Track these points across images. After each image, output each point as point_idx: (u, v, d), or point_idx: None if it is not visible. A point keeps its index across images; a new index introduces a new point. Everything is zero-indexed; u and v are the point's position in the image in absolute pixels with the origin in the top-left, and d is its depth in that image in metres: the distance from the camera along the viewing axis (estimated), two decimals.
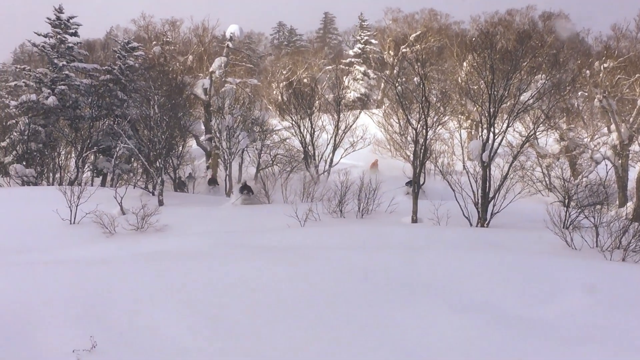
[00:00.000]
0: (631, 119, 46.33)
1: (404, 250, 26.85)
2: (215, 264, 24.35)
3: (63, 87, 52.21)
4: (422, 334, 17.77)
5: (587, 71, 48.26)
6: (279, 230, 32.33)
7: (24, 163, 50.18)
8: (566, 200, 34.31)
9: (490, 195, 34.97)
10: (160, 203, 39.87)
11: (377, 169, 51.93)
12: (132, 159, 52.84)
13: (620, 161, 45.62)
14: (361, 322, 18.38)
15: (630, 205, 39.70)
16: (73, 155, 53.84)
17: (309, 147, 47.05)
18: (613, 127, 45.98)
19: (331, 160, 47.11)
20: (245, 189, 43.60)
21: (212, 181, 52.45)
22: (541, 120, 39.18)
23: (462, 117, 57.62)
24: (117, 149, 48.80)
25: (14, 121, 52.63)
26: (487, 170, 35.31)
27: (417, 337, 17.59)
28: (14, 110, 52.61)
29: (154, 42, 70.59)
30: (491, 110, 35.28)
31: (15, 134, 51.33)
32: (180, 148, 51.83)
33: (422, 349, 16.89)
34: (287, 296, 20.39)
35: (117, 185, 42.08)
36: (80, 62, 55.57)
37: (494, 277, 22.82)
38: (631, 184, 45.32)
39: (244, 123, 51.38)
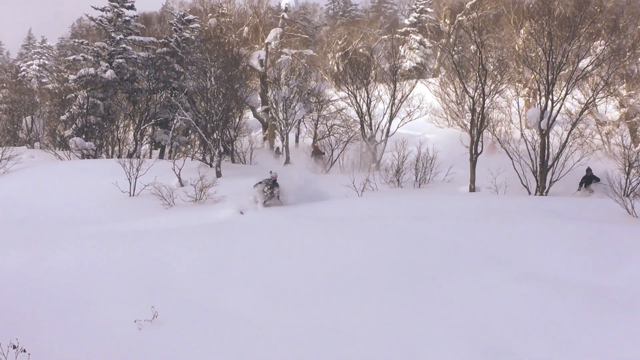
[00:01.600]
0: None
1: (463, 220, 26.70)
2: (273, 236, 24.47)
3: (121, 60, 52.59)
4: (487, 304, 17.65)
5: None
6: (337, 200, 32.33)
7: (84, 136, 50.70)
8: (627, 168, 33.79)
9: (549, 163, 34.65)
10: (218, 175, 40.03)
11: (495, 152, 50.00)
12: (190, 131, 53.09)
13: None
14: (425, 293, 18.33)
15: None
16: (131, 128, 54.34)
17: (366, 117, 46.83)
18: None
19: (388, 129, 46.87)
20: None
21: (277, 151, 52.52)
22: (600, 87, 38.64)
23: (520, 85, 56.97)
24: (175, 121, 49.05)
25: (73, 95, 53.12)
26: (546, 138, 34.97)
27: (481, 307, 17.48)
28: (73, 84, 53.13)
29: (210, 15, 70.76)
30: (549, 77, 34.91)
31: (74, 107, 51.84)
32: (237, 120, 51.93)
33: (488, 318, 16.80)
34: (351, 266, 20.43)
35: (175, 157, 42.36)
36: (137, 36, 55.91)
37: (556, 246, 22.59)
38: None
39: (300, 94, 51.34)
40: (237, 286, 19.44)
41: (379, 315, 17.07)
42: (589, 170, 34.46)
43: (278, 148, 52.75)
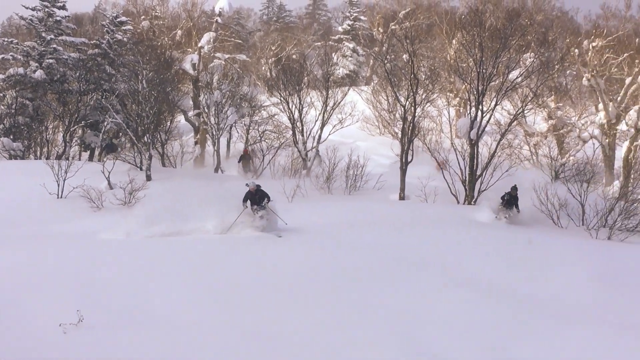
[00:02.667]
0: (619, 98, 46.40)
1: (394, 228, 27.00)
2: (205, 241, 24.44)
3: (51, 60, 51.96)
4: (419, 309, 17.91)
5: (576, 50, 48.25)
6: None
7: (12, 137, 49.97)
8: (553, 179, 34.44)
9: (478, 172, 35.10)
10: (148, 178, 39.81)
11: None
12: (120, 134, 52.68)
13: (607, 140, 45.75)
14: (358, 298, 18.50)
15: (616, 184, 39.82)
16: (61, 129, 53.63)
17: (297, 124, 46.94)
18: (601, 106, 46.06)
19: (319, 136, 47.06)
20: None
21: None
22: (529, 98, 39.30)
23: (451, 94, 57.59)
24: (105, 123, 48.66)
25: (1, 94, 52.37)
26: (475, 148, 35.43)
27: (414, 312, 17.73)
28: (1, 83, 52.30)
29: (143, 17, 70.21)
30: (480, 88, 35.41)
31: (2, 107, 51.09)
32: (169, 123, 51.68)
33: (420, 323, 17.03)
34: (284, 272, 20.50)
35: (105, 159, 42.01)
36: (68, 36, 55.29)
37: (485, 254, 23.02)
38: (618, 163, 45.49)
39: (233, 99, 51.20)
40: (166, 290, 19.37)
41: (311, 321, 17.15)
42: (514, 189, 30.74)
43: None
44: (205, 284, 19.64)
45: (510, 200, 30.64)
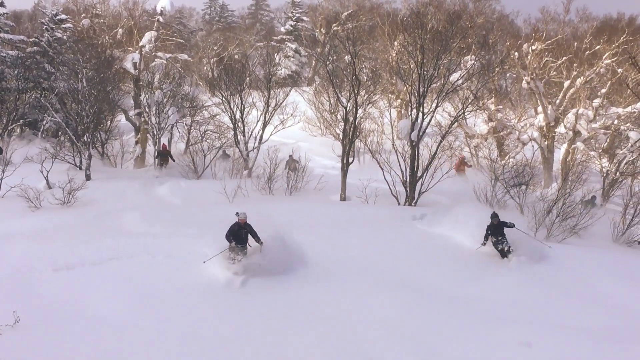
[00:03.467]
0: (557, 101, 46.97)
1: (334, 229, 27.10)
2: (141, 239, 24.36)
3: None
4: (356, 311, 18.04)
5: (516, 53, 48.73)
6: (207, 206, 32.32)
7: None
8: (493, 180, 34.75)
9: (419, 174, 35.29)
10: (88, 178, 39.42)
11: (464, 173, 45.56)
12: (60, 133, 52.09)
13: (546, 142, 46.28)
14: (295, 300, 18.59)
15: (554, 186, 40.29)
16: None
17: (239, 124, 46.75)
18: (540, 109, 46.56)
19: (261, 137, 46.94)
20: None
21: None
22: (470, 100, 39.62)
23: (392, 96, 57.78)
24: (44, 122, 48.08)
25: None
26: (416, 149, 35.61)
27: (351, 314, 17.88)
28: None
29: (83, 15, 69.51)
30: (421, 89, 35.58)
31: None
32: (109, 122, 51.22)
33: (357, 325, 17.19)
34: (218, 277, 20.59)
35: (44, 159, 41.43)
36: (6, 33, 54.60)
37: (423, 256, 23.25)
38: (556, 165, 46.08)
39: (174, 98, 50.83)
40: (105, 291, 19.31)
41: (248, 322, 17.18)
42: (494, 216, 25.60)
43: (224, 151, 50.91)
44: (142, 283, 19.66)
45: (496, 228, 25.47)
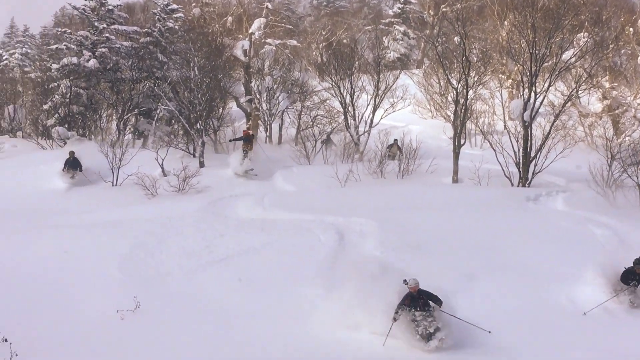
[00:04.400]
0: None
1: (445, 211, 26.97)
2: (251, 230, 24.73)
3: (104, 49, 52.26)
4: (467, 290, 18.00)
5: (631, 28, 47.53)
6: (319, 190, 32.48)
7: (66, 125, 50.42)
8: (609, 160, 33.91)
9: (532, 154, 34.75)
10: (201, 165, 39.96)
11: None
12: (173, 121, 52.91)
13: None
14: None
15: None
16: (114, 117, 54.04)
17: (349, 108, 46.79)
18: None
19: (371, 120, 46.86)
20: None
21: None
22: (583, 78, 38.79)
23: (503, 76, 56.99)
24: (158, 111, 48.93)
25: (55, 84, 52.77)
26: (529, 129, 35.07)
27: (462, 292, 17.83)
28: (56, 73, 52.73)
29: (193, 4, 70.36)
30: (533, 69, 34.98)
31: (57, 96, 51.49)
32: (221, 110, 51.78)
33: (464, 305, 17.08)
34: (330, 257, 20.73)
35: (158, 147, 42.15)
36: (120, 25, 55.56)
37: (536, 238, 22.95)
38: None
39: (284, 84, 51.24)
40: (217, 276, 19.64)
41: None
42: (638, 262, 18.94)
43: (328, 136, 48.67)
44: (251, 268, 19.88)
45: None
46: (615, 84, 49.57)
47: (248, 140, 40.79)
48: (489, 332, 16.00)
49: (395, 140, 41.92)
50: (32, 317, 16.88)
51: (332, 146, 45.90)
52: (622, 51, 52.18)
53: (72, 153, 36.89)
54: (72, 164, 36.44)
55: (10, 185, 35.27)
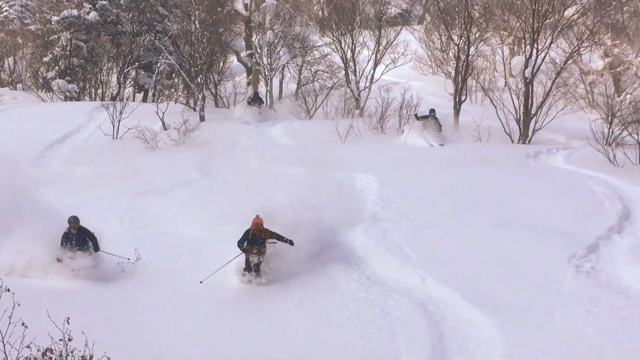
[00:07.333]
0: None
1: (445, 166, 27.09)
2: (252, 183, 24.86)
3: (104, 2, 52.07)
4: (471, 247, 18.15)
5: None
6: (321, 145, 32.52)
7: (67, 78, 50.44)
8: (609, 118, 33.92)
9: (533, 112, 34.77)
10: (202, 119, 39.98)
11: None
12: (174, 75, 52.87)
13: None
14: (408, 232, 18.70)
15: None
16: (115, 70, 53.99)
17: (350, 64, 46.74)
18: None
19: (372, 76, 46.84)
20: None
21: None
22: (585, 36, 38.70)
23: (505, 33, 56.82)
24: (159, 64, 48.85)
25: (56, 37, 52.71)
26: (530, 86, 35.06)
27: (464, 251, 17.99)
28: (56, 25, 52.64)
29: None
30: (535, 25, 34.90)
31: (57, 49, 51.45)
32: (221, 64, 51.70)
33: (470, 262, 17.26)
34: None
35: (159, 101, 42.09)
36: None
37: (537, 192, 23.08)
38: None
39: (285, 39, 51.15)
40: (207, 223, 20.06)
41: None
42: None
43: (257, 96, 47.41)
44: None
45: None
46: (617, 42, 49.38)
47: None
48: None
49: (433, 110, 34.38)
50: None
51: (258, 111, 42.14)
52: (625, 8, 51.96)
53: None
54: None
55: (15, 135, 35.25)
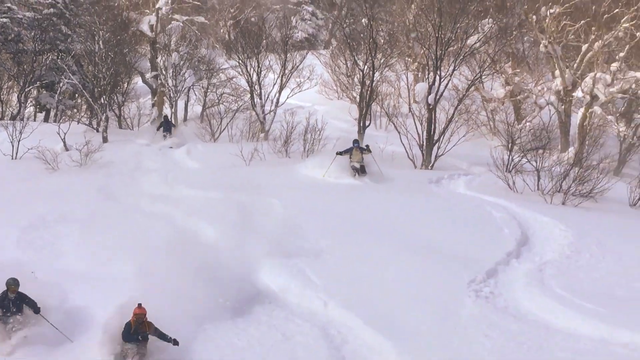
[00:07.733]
0: (575, 65, 46.59)
1: (350, 192, 27.24)
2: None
3: (5, 19, 51.14)
4: (372, 275, 18.28)
5: (534, 16, 48.27)
6: (225, 170, 32.39)
7: None
8: (510, 145, 34.64)
9: (435, 137, 35.26)
10: (105, 140, 39.57)
11: None
12: (76, 95, 52.22)
13: (563, 107, 45.92)
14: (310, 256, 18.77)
15: (571, 150, 40.15)
16: (15, 89, 53.00)
17: (256, 87, 46.75)
18: (557, 72, 46.20)
19: (277, 100, 46.94)
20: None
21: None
22: (487, 64, 39.47)
23: (409, 59, 57.56)
24: (61, 84, 48.14)
25: None
26: (433, 113, 35.56)
27: (367, 277, 18.12)
28: None
29: None
30: (438, 53, 35.46)
31: None
32: (125, 85, 51.27)
33: (374, 288, 17.37)
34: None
35: (61, 121, 41.47)
36: None
37: (438, 219, 23.36)
38: (573, 130, 45.64)
39: (191, 61, 50.95)
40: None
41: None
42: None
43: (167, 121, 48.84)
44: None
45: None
46: (518, 70, 50.47)
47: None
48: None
49: (356, 141, 33.04)
50: None
51: (168, 136, 43.25)
52: (525, 38, 53.16)
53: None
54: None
55: None
